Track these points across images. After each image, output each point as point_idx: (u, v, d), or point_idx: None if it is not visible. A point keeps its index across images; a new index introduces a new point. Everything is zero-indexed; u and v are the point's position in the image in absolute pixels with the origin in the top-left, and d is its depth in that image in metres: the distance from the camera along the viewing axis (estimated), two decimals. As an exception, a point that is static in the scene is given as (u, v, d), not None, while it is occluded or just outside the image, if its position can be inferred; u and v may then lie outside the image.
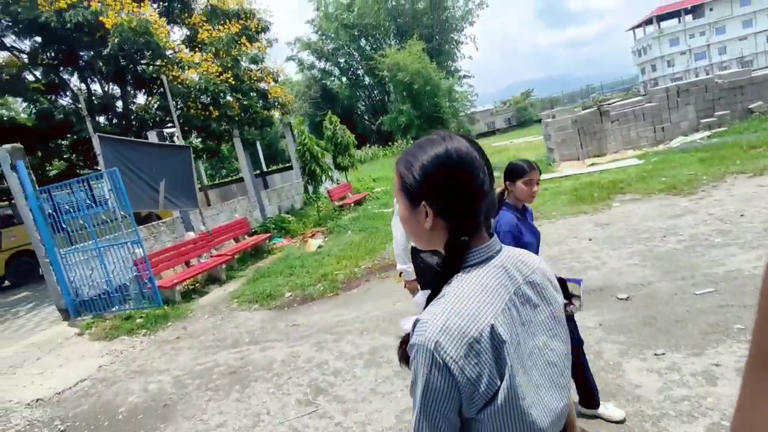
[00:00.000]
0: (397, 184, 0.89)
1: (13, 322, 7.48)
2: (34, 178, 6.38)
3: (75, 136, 12.50)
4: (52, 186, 6.27)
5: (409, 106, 39.96)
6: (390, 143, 41.62)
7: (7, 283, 12.24)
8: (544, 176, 11.54)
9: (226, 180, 25.72)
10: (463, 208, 0.83)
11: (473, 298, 0.79)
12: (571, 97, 54.69)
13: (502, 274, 0.84)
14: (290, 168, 16.47)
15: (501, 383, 0.76)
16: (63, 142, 13.54)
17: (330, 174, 11.37)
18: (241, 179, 20.71)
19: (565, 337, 0.91)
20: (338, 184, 14.16)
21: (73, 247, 6.39)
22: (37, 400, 4.38)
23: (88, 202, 6.58)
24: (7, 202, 12.39)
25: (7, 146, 6.20)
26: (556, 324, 0.89)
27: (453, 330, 0.75)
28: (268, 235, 9.81)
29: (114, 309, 6.52)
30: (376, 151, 39.03)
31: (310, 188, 11.29)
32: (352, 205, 12.60)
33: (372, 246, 7.88)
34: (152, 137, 8.94)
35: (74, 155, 13.61)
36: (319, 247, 8.84)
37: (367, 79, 47.46)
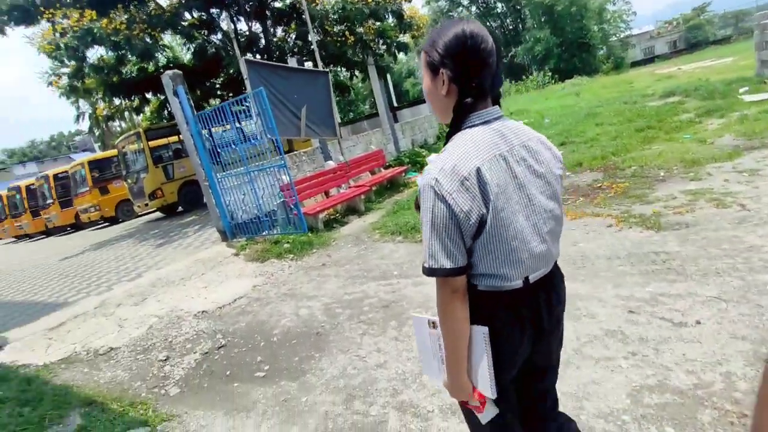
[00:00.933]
0: (423, 61, 1.11)
1: (184, 240, 8.33)
2: (193, 105, 6.59)
3: (226, 74, 13.28)
4: (207, 111, 6.41)
5: (548, 32, 34.98)
6: (523, 77, 37.57)
7: (180, 208, 14.12)
8: (755, 98, 8.73)
9: (355, 118, 26.01)
10: (471, 75, 1.04)
11: (466, 148, 1.02)
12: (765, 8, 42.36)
13: (496, 135, 1.06)
14: (421, 102, 15.58)
15: (487, 215, 1.01)
16: (216, 82, 14.58)
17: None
18: (370, 116, 20.52)
19: (553, 196, 1.13)
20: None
21: (227, 172, 6.58)
22: (202, 312, 4.54)
23: (240, 137, 6.67)
24: (177, 138, 13.96)
25: (169, 72, 6.44)
26: (547, 186, 1.11)
27: (447, 170, 1.00)
28: (404, 168, 9.25)
29: (264, 233, 6.68)
30: (507, 87, 35.54)
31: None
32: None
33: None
34: (292, 63, 8.77)
35: (226, 92, 14.59)
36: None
37: (499, 6, 42.77)
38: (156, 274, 6.13)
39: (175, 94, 6.42)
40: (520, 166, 1.06)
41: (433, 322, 1.19)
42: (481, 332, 1.09)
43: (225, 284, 5.29)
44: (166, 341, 4.06)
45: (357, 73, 15.55)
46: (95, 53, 11.36)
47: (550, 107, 17.08)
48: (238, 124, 7.05)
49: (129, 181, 13.68)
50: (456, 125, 1.08)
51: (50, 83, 11.33)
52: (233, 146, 6.68)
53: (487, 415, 1.19)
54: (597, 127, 10.04)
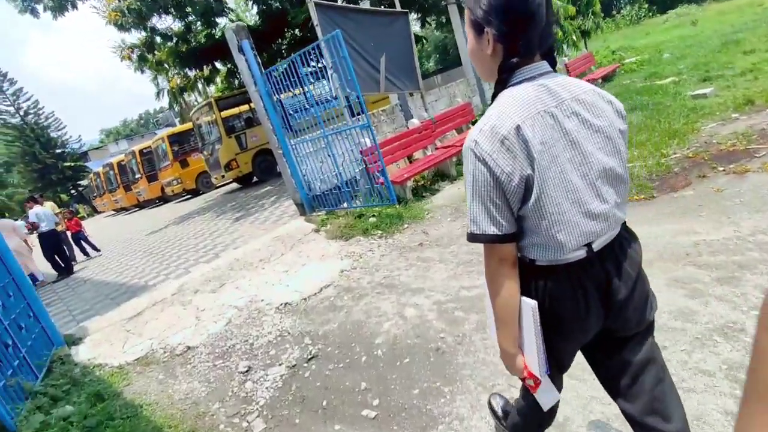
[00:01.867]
0: (467, 19, 1.03)
1: (260, 213, 7.84)
2: (260, 62, 5.76)
3: (292, 34, 12.43)
4: (276, 67, 5.55)
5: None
6: (613, 13, 32.85)
7: (255, 179, 13.93)
8: None
9: (424, 74, 24.22)
10: (518, 33, 0.95)
11: (506, 106, 0.95)
12: None
13: (542, 90, 0.96)
14: None
15: (533, 175, 0.92)
16: (282, 43, 13.83)
17: (575, 39, 8.37)
18: (442, 71, 18.80)
19: (614, 152, 1.00)
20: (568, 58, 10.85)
21: (301, 138, 5.76)
22: (285, 305, 3.83)
23: (312, 100, 5.74)
24: (248, 106, 13.58)
25: (231, 25, 5.63)
26: (607, 141, 0.99)
27: (486, 130, 0.94)
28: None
29: (344, 205, 5.85)
30: (592, 25, 31.21)
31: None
32: (599, 81, 9.44)
33: (671, 126, 5.18)
34: (365, 5, 7.60)
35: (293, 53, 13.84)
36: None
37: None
38: (233, 254, 5.59)
39: (240, 50, 5.62)
40: (571, 121, 0.97)
41: None
42: (530, 306, 1.02)
43: (308, 268, 4.55)
44: (246, 342, 3.40)
45: (429, 20, 13.97)
46: (161, 22, 11.01)
47: (662, 41, 14.26)
48: (308, 87, 6.23)
49: (205, 152, 13.65)
50: (501, 83, 1.01)
51: (123, 58, 11.24)
52: (304, 112, 5.84)
53: (543, 397, 1.11)
54: (747, 56, 7.89)
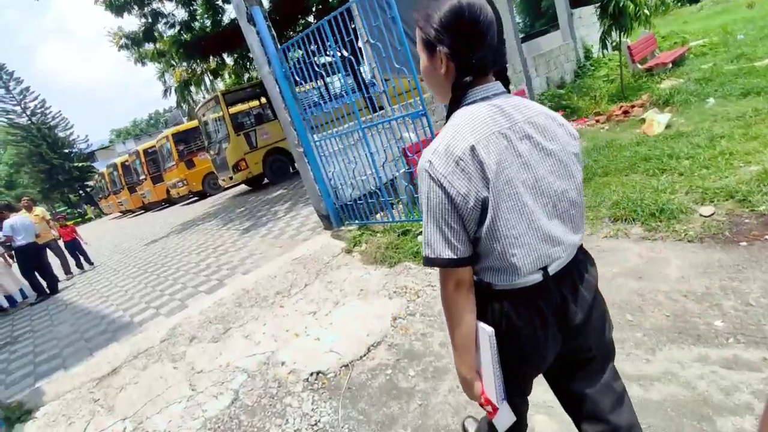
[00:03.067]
0: (419, 40, 1.00)
1: (275, 224, 6.61)
2: (275, 34, 4.52)
3: (306, 19, 11.22)
4: (297, 39, 4.28)
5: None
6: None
7: (265, 181, 12.74)
8: None
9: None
10: (470, 52, 0.94)
11: (461, 126, 0.92)
12: None
13: (496, 110, 0.94)
14: (553, 27, 12.38)
15: (489, 197, 0.90)
16: (299, 24, 12.60)
17: (647, 14, 7.00)
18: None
19: (567, 176, 0.99)
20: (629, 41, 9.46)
21: (328, 132, 4.51)
22: (317, 375, 2.59)
23: (346, 88, 4.46)
24: (258, 101, 12.40)
25: (239, -11, 4.38)
26: (558, 164, 0.97)
27: (441, 151, 0.91)
28: (561, 113, 6.55)
29: (378, 216, 4.60)
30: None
31: (610, 40, 7.24)
32: (670, 66, 8.06)
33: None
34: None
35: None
36: (667, 126, 5.19)
37: None
38: (242, 282, 4.37)
39: (250, 20, 4.38)
40: (524, 143, 0.94)
41: None
42: (487, 333, 1.00)
43: (344, 310, 3.30)
44: (262, 447, 2.16)
45: None
46: (162, 6, 9.83)
47: (721, 23, 12.76)
48: (331, 76, 5.03)
49: (212, 152, 12.49)
50: (454, 103, 0.99)
51: (118, 46, 10.08)
52: (325, 105, 4.63)
53: (501, 420, 1.10)
54: None
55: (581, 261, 1.07)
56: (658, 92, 6.75)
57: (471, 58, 0.94)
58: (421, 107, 3.59)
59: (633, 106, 6.50)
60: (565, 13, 10.02)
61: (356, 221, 4.75)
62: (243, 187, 13.58)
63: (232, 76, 14.58)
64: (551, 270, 0.99)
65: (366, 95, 4.16)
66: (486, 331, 0.99)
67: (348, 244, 4.46)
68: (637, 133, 5.36)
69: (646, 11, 6.93)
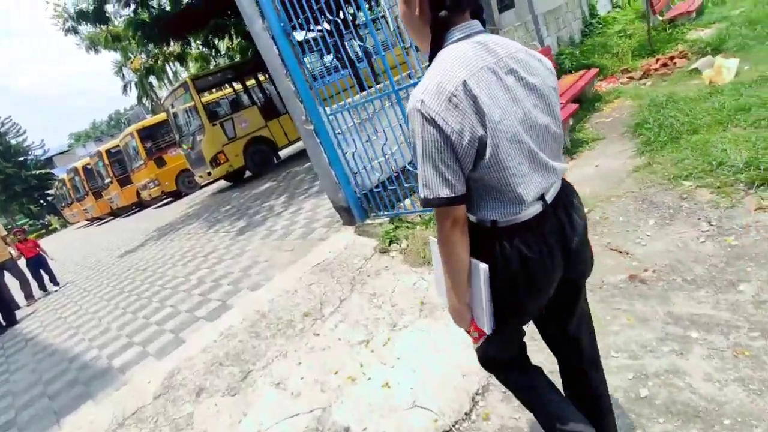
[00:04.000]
0: None
1: (274, 222, 5.60)
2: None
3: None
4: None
5: None
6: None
7: (247, 174, 11.60)
8: None
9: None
10: None
11: (449, 63, 0.92)
12: None
13: (480, 47, 0.94)
14: None
15: (485, 131, 0.90)
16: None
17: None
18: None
19: (548, 110, 1.01)
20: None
21: (348, 102, 3.54)
22: (409, 451, 1.70)
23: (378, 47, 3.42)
24: (233, 88, 11.19)
25: None
26: (540, 99, 0.99)
27: (431, 88, 0.90)
28: (595, 71, 5.71)
29: (408, 204, 3.70)
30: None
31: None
32: (693, 15, 7.35)
33: None
34: None
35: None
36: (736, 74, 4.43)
37: None
38: (253, 300, 3.40)
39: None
40: (510, 78, 0.95)
41: None
42: (481, 269, 1.04)
43: (410, 336, 2.41)
44: None
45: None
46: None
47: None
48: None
49: (185, 146, 11.22)
50: (436, 43, 0.98)
51: (65, 30, 8.65)
52: (337, 74, 3.69)
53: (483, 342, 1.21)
54: None
55: (567, 186, 1.12)
56: (695, 41, 6.01)
57: None
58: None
59: (672, 58, 5.74)
60: (566, -33, 9.14)
61: (385, 212, 3.81)
62: (222, 183, 12.38)
63: (199, 61, 13.19)
64: (548, 198, 1.04)
65: (409, 45, 3.21)
66: (481, 267, 1.03)
67: (381, 242, 3.54)
68: (697, 85, 4.59)
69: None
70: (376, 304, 2.82)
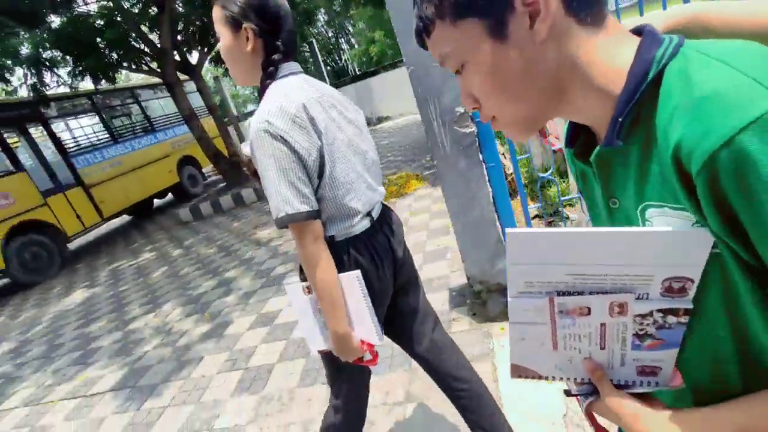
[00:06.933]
0: (219, 17, 1.05)
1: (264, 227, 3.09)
2: None
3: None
4: None
5: None
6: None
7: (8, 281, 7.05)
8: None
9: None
10: (277, 31, 1.06)
11: (286, 90, 1.01)
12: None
13: (305, 83, 1.07)
14: None
15: (324, 148, 1.01)
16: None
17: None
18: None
19: (366, 140, 1.19)
20: None
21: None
22: None
23: None
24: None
25: None
26: (359, 131, 1.16)
27: (275, 111, 0.96)
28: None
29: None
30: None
31: None
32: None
33: None
34: None
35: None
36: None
37: None
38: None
39: None
40: (333, 111, 1.08)
41: (308, 287, 1.14)
42: (355, 277, 1.06)
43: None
44: None
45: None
46: None
47: None
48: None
49: None
50: (269, 77, 1.06)
51: None
52: None
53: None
54: None
55: (385, 206, 1.25)
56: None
57: (277, 38, 1.05)
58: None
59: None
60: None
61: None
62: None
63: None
64: (374, 214, 1.16)
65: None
66: (354, 275, 1.05)
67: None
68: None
69: None
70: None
